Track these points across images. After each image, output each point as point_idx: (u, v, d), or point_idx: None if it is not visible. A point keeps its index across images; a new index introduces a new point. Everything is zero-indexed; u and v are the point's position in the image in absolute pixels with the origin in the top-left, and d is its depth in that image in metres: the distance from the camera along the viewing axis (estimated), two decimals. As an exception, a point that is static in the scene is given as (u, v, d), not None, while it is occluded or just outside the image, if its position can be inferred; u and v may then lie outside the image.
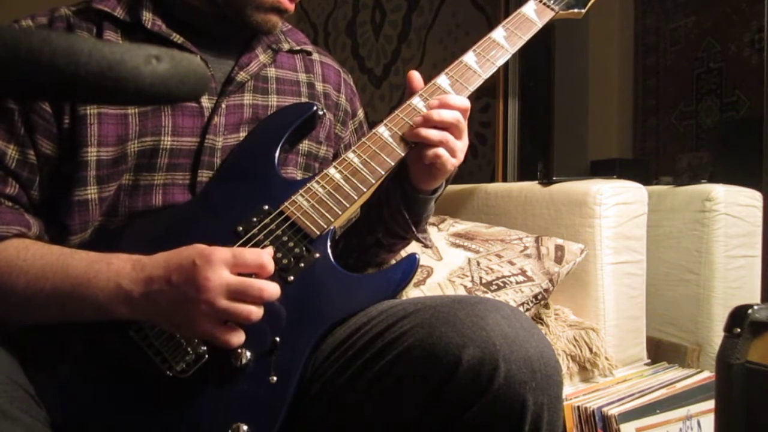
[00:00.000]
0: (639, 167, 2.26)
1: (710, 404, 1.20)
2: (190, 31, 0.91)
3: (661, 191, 1.56)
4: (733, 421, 0.79)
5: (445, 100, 0.87)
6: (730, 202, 1.45)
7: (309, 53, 1.05)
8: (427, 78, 0.93)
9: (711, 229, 1.44)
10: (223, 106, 0.91)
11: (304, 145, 0.98)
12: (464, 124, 0.88)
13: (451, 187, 1.11)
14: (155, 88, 0.38)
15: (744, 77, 2.05)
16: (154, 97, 0.39)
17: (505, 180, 2.47)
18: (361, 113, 1.11)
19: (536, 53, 2.39)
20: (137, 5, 0.89)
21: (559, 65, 2.41)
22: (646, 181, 1.51)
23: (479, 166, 2.62)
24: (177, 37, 0.89)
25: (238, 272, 0.73)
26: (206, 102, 0.90)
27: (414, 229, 0.96)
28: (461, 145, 0.88)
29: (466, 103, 0.88)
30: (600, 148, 2.43)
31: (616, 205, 1.39)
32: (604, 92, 2.47)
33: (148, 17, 0.88)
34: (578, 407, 1.17)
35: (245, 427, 0.74)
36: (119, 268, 0.75)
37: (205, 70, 0.43)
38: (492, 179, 2.55)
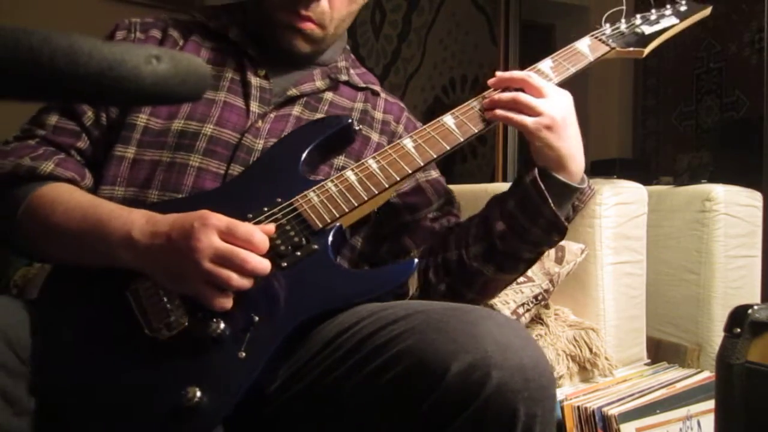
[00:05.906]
0: (639, 167, 2.26)
1: (710, 404, 1.20)
2: (266, 47, 1.00)
3: (661, 191, 1.55)
4: (733, 421, 0.79)
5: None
6: (730, 202, 1.45)
7: (375, 92, 1.09)
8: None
9: (711, 229, 1.44)
10: (272, 115, 0.97)
11: (340, 160, 1.00)
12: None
13: (452, 188, 1.11)
14: (156, 87, 0.38)
15: (744, 77, 2.05)
16: (155, 97, 0.39)
17: (505, 180, 2.47)
18: None
19: (536, 53, 2.39)
20: (228, 22, 1.02)
21: (559, 65, 2.40)
22: (646, 181, 1.51)
23: (479, 166, 2.62)
24: (253, 51, 1.00)
25: (229, 241, 0.77)
26: (257, 108, 0.96)
27: (560, 215, 0.88)
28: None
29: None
30: (600, 148, 2.43)
31: (616, 205, 1.39)
32: (604, 92, 2.47)
33: (234, 31, 1.00)
34: (578, 407, 1.17)
35: (199, 393, 0.75)
36: (135, 219, 0.82)
37: (207, 69, 0.43)
38: (492, 179, 2.55)
